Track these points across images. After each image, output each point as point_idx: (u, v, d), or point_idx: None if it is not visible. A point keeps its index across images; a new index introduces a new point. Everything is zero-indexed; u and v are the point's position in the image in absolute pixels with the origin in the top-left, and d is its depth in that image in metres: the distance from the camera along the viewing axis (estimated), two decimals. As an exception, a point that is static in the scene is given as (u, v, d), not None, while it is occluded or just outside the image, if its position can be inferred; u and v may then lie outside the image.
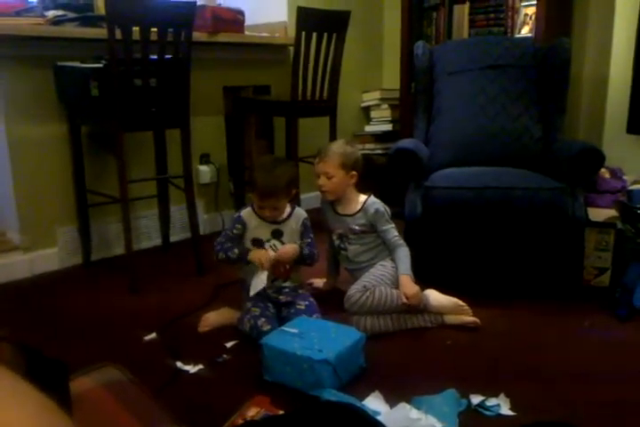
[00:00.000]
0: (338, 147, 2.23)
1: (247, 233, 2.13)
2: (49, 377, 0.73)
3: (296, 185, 2.15)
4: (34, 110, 2.61)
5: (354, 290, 2.08)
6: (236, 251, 2.10)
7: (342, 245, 2.28)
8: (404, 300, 2.06)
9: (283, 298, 2.14)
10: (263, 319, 1.99)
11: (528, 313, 2.24)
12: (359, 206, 2.24)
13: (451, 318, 2.12)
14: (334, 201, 2.28)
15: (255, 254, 2.05)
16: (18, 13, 2.60)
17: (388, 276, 2.17)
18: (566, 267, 2.43)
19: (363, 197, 2.26)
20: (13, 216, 2.66)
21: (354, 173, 2.22)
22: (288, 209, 2.16)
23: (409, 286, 2.10)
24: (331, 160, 2.19)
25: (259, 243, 2.13)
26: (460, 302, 2.12)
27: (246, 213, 2.15)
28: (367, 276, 2.17)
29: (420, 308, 2.09)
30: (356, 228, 2.23)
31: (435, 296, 2.14)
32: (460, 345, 1.99)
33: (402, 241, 2.22)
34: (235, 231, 2.14)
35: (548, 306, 2.30)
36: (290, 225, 2.14)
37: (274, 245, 2.13)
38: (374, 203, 2.24)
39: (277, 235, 2.13)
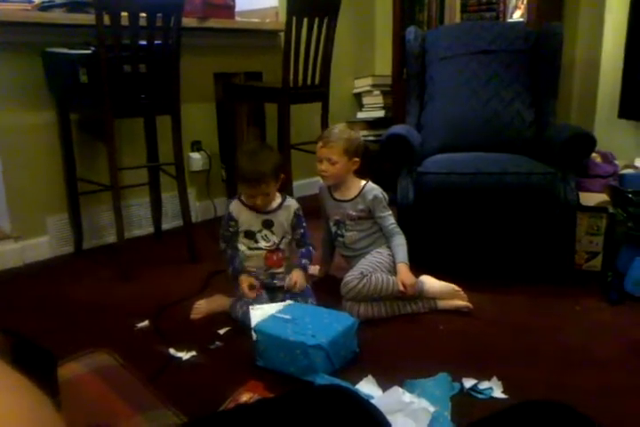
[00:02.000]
0: (342, 132, 2.19)
1: (239, 226, 2.13)
2: (36, 365, 0.73)
3: (283, 170, 2.13)
4: (22, 97, 2.58)
5: (351, 276, 2.07)
6: (230, 272, 2.13)
7: (339, 232, 2.27)
8: (401, 288, 2.06)
9: (277, 282, 2.14)
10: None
11: (520, 297, 2.25)
12: (357, 191, 2.22)
13: (443, 303, 2.12)
14: (332, 187, 2.27)
15: (242, 286, 2.05)
16: (4, -1, 2.57)
17: (384, 263, 2.17)
18: (558, 251, 2.44)
19: (361, 183, 2.25)
20: (3, 205, 2.63)
21: (356, 159, 2.20)
22: (278, 199, 2.14)
23: (407, 274, 2.10)
24: (335, 146, 2.15)
25: (251, 235, 2.12)
26: (456, 287, 2.13)
27: (234, 207, 2.13)
28: (363, 262, 2.16)
29: (415, 295, 2.10)
30: (354, 213, 2.22)
31: (430, 282, 2.14)
32: (453, 330, 2.00)
33: (398, 229, 2.22)
34: (230, 229, 2.14)
35: (540, 290, 2.31)
36: (280, 215, 2.13)
37: (265, 235, 2.12)
38: (373, 189, 2.22)
39: (268, 225, 2.12)
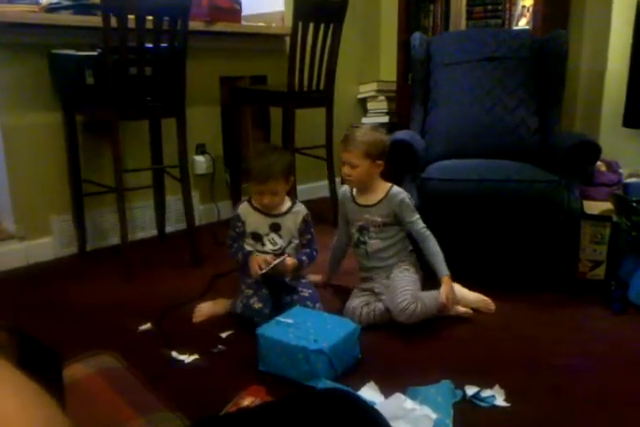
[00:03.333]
0: (363, 135, 2.11)
1: (246, 227, 2.13)
2: (42, 365, 0.73)
3: (293, 172, 2.13)
4: (28, 99, 2.59)
5: (406, 302, 1.96)
6: (240, 257, 2.13)
7: (362, 239, 2.18)
8: (444, 301, 2.01)
9: (286, 280, 2.13)
10: (255, 298, 2.01)
11: (523, 305, 2.24)
12: (382, 195, 2.15)
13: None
14: (356, 191, 2.20)
15: (252, 266, 2.05)
16: (12, 0, 2.58)
17: (416, 281, 2.11)
18: (561, 259, 2.43)
19: (387, 186, 2.17)
20: (8, 205, 2.64)
21: (380, 162, 2.13)
22: (288, 203, 2.14)
23: (450, 288, 2.05)
24: (355, 150, 2.08)
25: (257, 237, 2.12)
26: (487, 299, 2.15)
27: (243, 208, 2.14)
28: (402, 283, 2.06)
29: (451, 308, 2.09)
30: (379, 220, 2.14)
31: (462, 292, 2.15)
32: (456, 337, 2.00)
33: (429, 232, 2.14)
34: (237, 230, 2.15)
35: (543, 298, 2.30)
36: (288, 219, 2.13)
37: (272, 239, 2.12)
38: (399, 193, 2.15)
39: (275, 228, 2.12)
